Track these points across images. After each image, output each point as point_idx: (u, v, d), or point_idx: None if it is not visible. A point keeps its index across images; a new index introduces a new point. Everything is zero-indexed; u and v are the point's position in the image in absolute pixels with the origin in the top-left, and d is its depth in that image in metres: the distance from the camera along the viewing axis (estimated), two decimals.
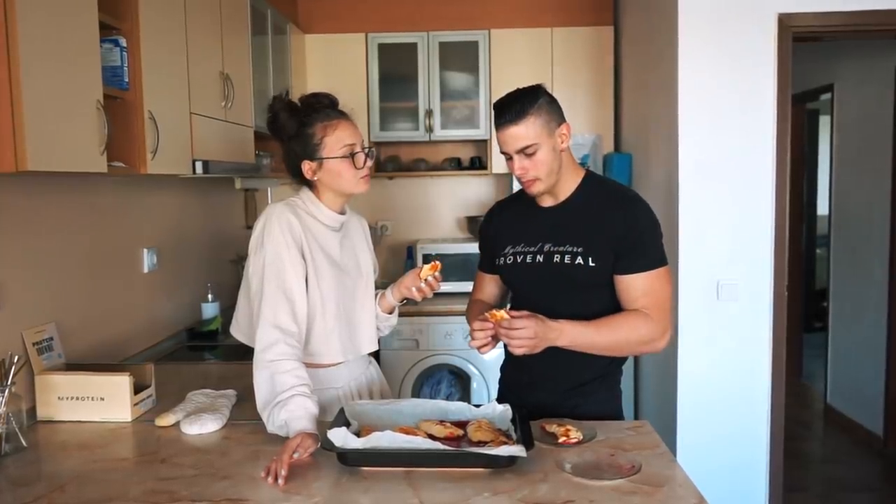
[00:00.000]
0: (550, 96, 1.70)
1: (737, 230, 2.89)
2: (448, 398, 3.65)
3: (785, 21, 2.80)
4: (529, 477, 1.42)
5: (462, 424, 1.61)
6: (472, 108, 3.96)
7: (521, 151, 1.67)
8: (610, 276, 1.71)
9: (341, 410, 1.63)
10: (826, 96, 4.67)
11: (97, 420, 1.83)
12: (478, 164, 4.17)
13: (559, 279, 1.72)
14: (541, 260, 1.74)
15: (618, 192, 1.79)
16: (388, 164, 4.16)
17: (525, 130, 1.65)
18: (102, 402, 1.83)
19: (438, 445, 1.45)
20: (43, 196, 2.03)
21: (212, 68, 2.60)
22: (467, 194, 4.34)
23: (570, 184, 1.76)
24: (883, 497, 3.56)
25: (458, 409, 1.67)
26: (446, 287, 2.30)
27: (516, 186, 1.87)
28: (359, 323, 1.87)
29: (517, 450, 1.41)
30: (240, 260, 3.36)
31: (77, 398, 1.84)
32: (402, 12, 3.92)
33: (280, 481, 1.40)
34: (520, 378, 1.85)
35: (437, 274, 1.84)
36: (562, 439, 1.58)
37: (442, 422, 1.60)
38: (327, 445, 1.43)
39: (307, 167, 1.76)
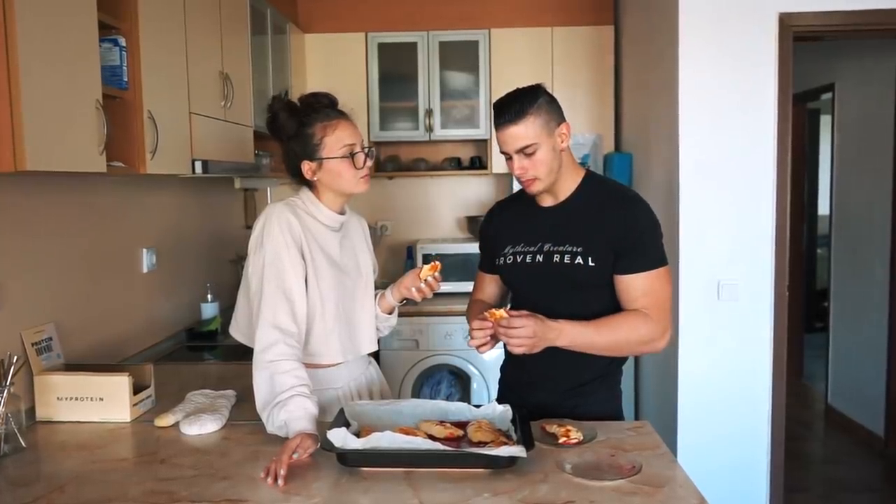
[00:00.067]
0: (550, 96, 1.70)
1: (737, 230, 2.88)
2: (448, 398, 3.65)
3: (786, 20, 2.79)
4: (530, 477, 1.41)
5: (462, 425, 1.60)
6: (472, 107, 3.96)
7: (521, 151, 1.66)
8: (610, 276, 1.70)
9: (341, 411, 1.62)
10: (827, 96, 4.67)
11: (96, 420, 1.83)
12: (478, 163, 4.16)
13: (559, 279, 1.72)
14: (540, 260, 1.74)
15: (618, 192, 1.79)
16: (388, 163, 4.15)
17: (524, 130, 1.64)
18: (101, 403, 1.83)
19: (438, 446, 1.45)
20: (42, 196, 2.02)
21: (211, 68, 2.59)
22: (467, 194, 4.33)
23: (570, 183, 1.76)
24: (884, 498, 3.55)
25: (458, 409, 1.67)
26: (446, 287, 2.30)
27: (516, 186, 1.87)
28: (358, 323, 1.86)
29: (517, 450, 1.40)
30: (239, 260, 3.36)
31: (76, 398, 1.84)
32: (402, 12, 3.92)
33: (279, 482, 1.40)
34: (520, 377, 1.84)
35: (437, 274, 1.83)
36: (562, 440, 1.57)
37: (442, 422, 1.60)
38: (327, 446, 1.43)
39: (307, 167, 1.76)
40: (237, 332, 1.85)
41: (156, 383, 1.99)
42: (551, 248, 1.73)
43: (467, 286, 2.12)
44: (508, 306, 1.80)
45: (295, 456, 1.46)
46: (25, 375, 1.84)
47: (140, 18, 2.02)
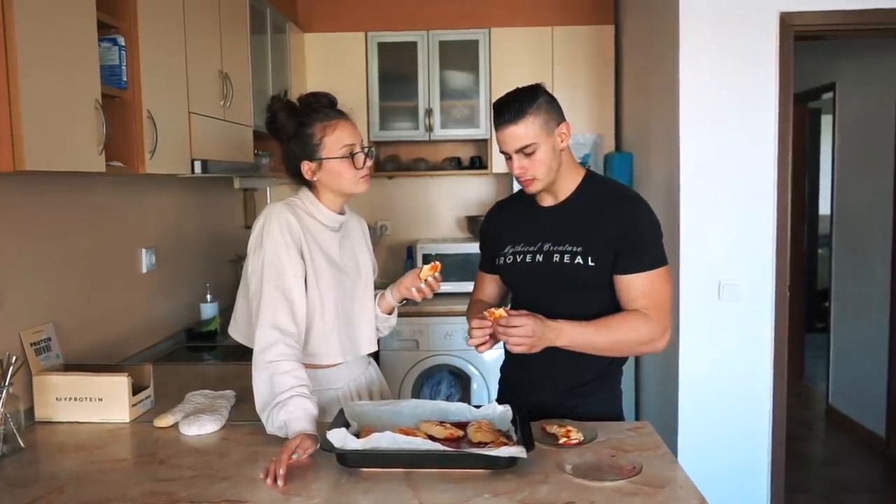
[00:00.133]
0: (550, 95, 1.70)
1: (738, 230, 2.88)
2: (448, 399, 3.64)
3: (787, 20, 2.79)
4: (530, 478, 1.41)
5: (462, 425, 1.60)
6: (473, 107, 3.96)
7: (521, 151, 1.66)
8: (609, 276, 1.70)
9: (341, 411, 1.62)
10: (828, 95, 4.66)
11: (95, 421, 1.82)
12: (478, 163, 4.16)
13: (559, 279, 1.71)
14: (540, 259, 1.74)
15: (618, 192, 1.78)
16: (388, 163, 4.15)
17: (524, 130, 1.64)
18: (101, 403, 1.83)
19: (438, 446, 1.44)
20: (41, 196, 2.02)
21: (211, 67, 2.59)
22: (467, 194, 4.33)
23: (570, 183, 1.75)
24: (885, 498, 3.55)
25: (458, 409, 1.66)
26: (446, 287, 2.29)
27: (516, 186, 1.86)
28: (358, 323, 1.86)
29: (517, 451, 1.40)
30: (239, 260, 3.35)
31: (75, 399, 1.83)
32: (402, 11, 3.91)
33: (279, 482, 1.39)
34: (520, 378, 1.84)
35: (437, 274, 1.83)
36: (562, 440, 1.57)
37: (442, 423, 1.59)
38: (326, 446, 1.43)
39: (306, 168, 1.75)
40: (236, 332, 1.84)
41: (155, 384, 1.99)
42: (551, 248, 1.73)
43: (467, 286, 2.12)
44: (509, 306, 1.79)
45: (294, 456, 1.46)
46: (24, 376, 1.83)
47: (139, 18, 2.02)
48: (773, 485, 2.95)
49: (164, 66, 2.20)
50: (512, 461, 1.43)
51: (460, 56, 3.92)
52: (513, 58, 3.86)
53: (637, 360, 3.70)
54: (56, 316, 2.03)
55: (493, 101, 1.71)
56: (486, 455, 1.41)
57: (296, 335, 1.67)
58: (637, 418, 3.62)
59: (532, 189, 1.72)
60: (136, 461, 1.62)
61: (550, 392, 1.77)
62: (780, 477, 2.95)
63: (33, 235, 1.99)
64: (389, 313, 1.96)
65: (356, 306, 1.86)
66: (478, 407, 1.67)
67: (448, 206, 4.33)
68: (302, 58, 3.89)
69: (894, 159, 3.91)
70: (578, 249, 1.69)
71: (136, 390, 1.87)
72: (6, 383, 1.65)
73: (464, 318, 1.94)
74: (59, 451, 1.66)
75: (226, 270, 3.37)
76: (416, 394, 3.63)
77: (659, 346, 1.71)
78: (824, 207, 5.50)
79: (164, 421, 1.78)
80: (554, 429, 1.62)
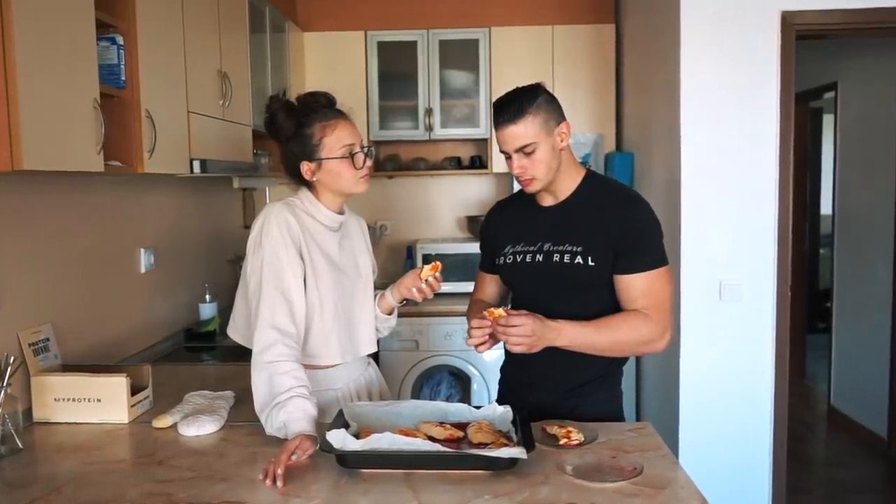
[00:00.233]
0: (550, 95, 1.69)
1: (739, 230, 2.87)
2: (448, 399, 3.64)
3: (788, 19, 2.78)
4: (530, 479, 1.40)
5: (462, 426, 1.59)
6: (473, 106, 3.95)
7: (520, 150, 1.65)
8: (610, 275, 1.69)
9: (340, 412, 1.61)
10: (829, 95, 4.66)
11: (94, 422, 1.82)
12: (478, 163, 4.15)
13: (559, 279, 1.71)
14: (540, 259, 1.73)
15: (618, 192, 1.78)
16: (388, 163, 4.14)
17: (524, 129, 1.63)
18: (99, 404, 1.82)
19: (438, 447, 1.44)
20: (39, 195, 2.01)
21: (210, 66, 2.58)
22: (467, 194, 4.32)
23: (570, 183, 1.75)
24: (886, 499, 3.54)
25: (458, 410, 1.66)
26: (446, 287, 2.28)
27: (517, 186, 1.86)
28: (358, 324, 1.85)
29: (518, 451, 1.39)
30: (238, 260, 3.34)
31: (73, 399, 1.83)
32: (402, 10, 3.91)
33: (278, 483, 1.39)
34: (520, 378, 1.83)
35: (437, 274, 1.82)
36: (563, 441, 1.56)
37: (442, 423, 1.59)
38: (326, 447, 1.42)
39: (306, 168, 1.74)
40: (235, 332, 1.83)
41: (154, 384, 1.98)
42: (551, 248, 1.72)
43: (467, 286, 2.11)
44: (509, 306, 1.79)
45: (294, 457, 1.45)
46: (22, 376, 1.83)
47: (138, 17, 2.01)
48: (775, 485, 2.94)
49: (162, 65, 2.19)
50: (512, 462, 1.42)
51: (460, 55, 3.91)
52: (513, 57, 3.85)
53: (637, 360, 3.69)
54: (54, 316, 2.03)
55: (493, 100, 1.70)
56: (486, 456, 1.40)
57: (295, 335, 1.66)
58: (638, 418, 3.62)
59: (532, 188, 1.71)
60: (135, 462, 1.61)
61: (550, 392, 1.77)
62: (782, 477, 2.95)
63: (32, 235, 1.98)
64: (389, 314, 1.95)
65: (356, 307, 1.85)
66: (478, 408, 1.67)
67: (448, 205, 4.33)
68: (301, 57, 3.89)
69: None
70: (578, 249, 1.69)
71: (134, 391, 1.87)
72: (4, 384, 1.64)
73: (464, 319, 1.93)
74: (57, 452, 1.65)
75: (225, 270, 3.36)
76: (416, 394, 3.62)
77: (659, 346, 1.71)
78: (826, 207, 5.49)
79: (162, 422, 1.77)
80: (554, 429, 1.61)
